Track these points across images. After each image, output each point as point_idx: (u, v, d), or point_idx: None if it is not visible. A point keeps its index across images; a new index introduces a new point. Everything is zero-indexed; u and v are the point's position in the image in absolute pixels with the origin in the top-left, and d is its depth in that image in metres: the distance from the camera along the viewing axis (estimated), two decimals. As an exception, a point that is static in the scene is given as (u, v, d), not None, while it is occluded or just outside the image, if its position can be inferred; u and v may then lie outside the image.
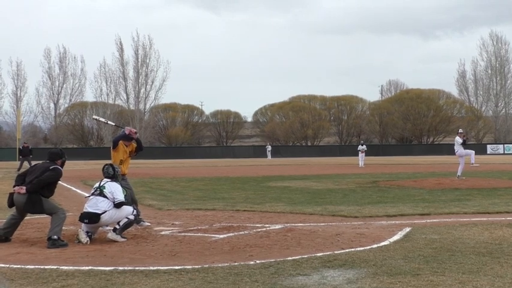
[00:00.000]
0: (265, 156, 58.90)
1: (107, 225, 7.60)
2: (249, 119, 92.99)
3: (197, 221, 9.17)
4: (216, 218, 9.46)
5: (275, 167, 33.06)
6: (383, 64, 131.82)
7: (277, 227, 8.28)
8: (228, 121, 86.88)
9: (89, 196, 7.49)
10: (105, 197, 7.36)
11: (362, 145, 34.05)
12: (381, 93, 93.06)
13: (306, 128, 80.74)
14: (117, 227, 7.33)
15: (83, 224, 7.35)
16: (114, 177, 7.64)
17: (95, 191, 7.48)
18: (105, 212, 7.28)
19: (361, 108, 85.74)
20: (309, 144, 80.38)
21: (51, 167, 7.16)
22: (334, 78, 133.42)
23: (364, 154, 33.02)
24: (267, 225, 8.42)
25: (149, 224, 8.67)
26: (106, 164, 7.79)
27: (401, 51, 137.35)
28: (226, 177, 21.97)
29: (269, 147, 58.91)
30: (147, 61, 74.77)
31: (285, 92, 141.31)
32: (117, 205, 7.36)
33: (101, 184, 7.50)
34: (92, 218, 7.22)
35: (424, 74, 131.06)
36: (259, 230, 8.01)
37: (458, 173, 17.49)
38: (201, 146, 78.24)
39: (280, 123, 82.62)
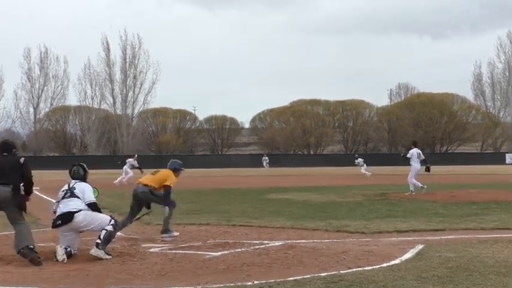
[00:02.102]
0: (263, 167, 58.88)
1: (82, 231, 7.44)
2: (246, 126, 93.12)
3: (189, 236, 9.13)
4: (210, 234, 9.42)
5: (274, 178, 33.00)
6: (392, 66, 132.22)
7: (277, 243, 8.25)
8: (223, 127, 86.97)
9: (58, 201, 7.41)
10: (77, 197, 7.33)
11: (357, 159, 34.35)
12: (390, 98, 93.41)
13: (308, 135, 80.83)
14: (98, 240, 7.27)
15: (60, 237, 7.28)
16: (84, 178, 7.60)
17: (65, 194, 7.41)
18: (80, 210, 7.22)
19: (368, 114, 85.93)
20: (312, 152, 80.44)
21: (22, 160, 7.18)
22: (339, 82, 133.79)
23: (364, 166, 33.28)
24: (266, 242, 8.40)
25: (177, 234, 8.98)
26: (75, 165, 7.72)
27: (411, 52, 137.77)
28: (221, 189, 21.93)
29: (266, 159, 58.85)
30: (136, 62, 74.96)
31: (285, 96, 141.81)
32: (90, 206, 7.33)
33: (71, 186, 7.46)
34: (65, 218, 7.15)
35: (436, 77, 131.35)
36: (258, 247, 7.98)
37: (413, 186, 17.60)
38: (194, 155, 78.23)
39: (280, 129, 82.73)
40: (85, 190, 7.39)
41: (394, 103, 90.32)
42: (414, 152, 17.89)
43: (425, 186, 17.55)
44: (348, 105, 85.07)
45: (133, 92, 74.71)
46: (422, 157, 17.94)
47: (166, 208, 9.28)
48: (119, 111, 75.64)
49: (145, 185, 9.17)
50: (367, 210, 13.02)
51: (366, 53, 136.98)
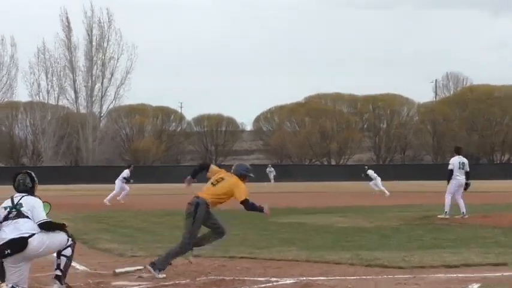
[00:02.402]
0: (268, 180, 58.81)
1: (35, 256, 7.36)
2: (248, 128, 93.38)
3: (174, 272, 9.11)
4: (202, 269, 9.41)
5: (285, 195, 32.91)
6: (438, 51, 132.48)
7: (289, 281, 8.24)
8: (218, 130, 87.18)
9: (0, 223, 7.24)
10: (26, 217, 7.20)
11: (367, 170, 34.77)
12: (435, 92, 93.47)
13: (328, 140, 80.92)
14: (59, 273, 7.25)
15: (7, 272, 7.14)
16: (32, 190, 7.48)
17: (9, 213, 7.25)
18: (33, 235, 7.10)
19: (406, 113, 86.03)
20: (333, 163, 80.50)
21: None
22: (369, 70, 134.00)
23: (377, 180, 33.64)
24: (274, 280, 8.39)
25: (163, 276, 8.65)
26: (20, 173, 7.63)
27: (464, 33, 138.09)
28: (216, 210, 21.89)
29: (272, 170, 58.64)
30: (105, 45, 75.31)
31: (298, 89, 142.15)
32: (44, 226, 7.21)
33: (16, 202, 7.32)
34: (17, 245, 7.01)
35: (496, 65, 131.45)
36: (263, 285, 7.95)
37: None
38: (180, 165, 78.28)
39: (292, 133, 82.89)
40: (35, 206, 7.26)
41: (440, 98, 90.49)
42: (456, 161, 17.64)
43: (464, 213, 17.32)
44: (381, 101, 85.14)
45: (102, 83, 75.06)
46: (467, 168, 17.64)
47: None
48: (82, 109, 75.96)
49: (205, 200, 9.23)
50: (405, 238, 12.99)
51: (407, 33, 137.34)
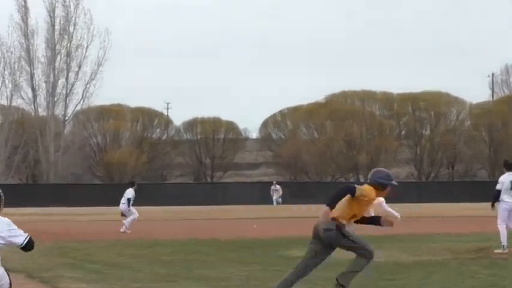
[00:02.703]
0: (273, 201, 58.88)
1: None
2: (254, 135, 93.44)
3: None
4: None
5: (300, 221, 32.85)
6: (495, 38, 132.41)
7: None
8: (215, 138, 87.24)
9: None
10: None
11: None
12: (492, 89, 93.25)
13: (356, 151, 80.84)
14: None
15: None
16: None
17: None
18: None
19: (455, 116, 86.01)
20: (362, 179, 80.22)
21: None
22: (407, 62, 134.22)
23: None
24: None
25: None
26: None
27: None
28: (211, 239, 21.97)
29: (278, 189, 58.33)
30: (71, 29, 75.52)
31: (317, 86, 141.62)
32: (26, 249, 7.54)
33: None
34: None
35: None
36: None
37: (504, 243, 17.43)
38: (165, 183, 78.29)
39: (310, 141, 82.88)
40: (7, 229, 7.46)
41: (498, 98, 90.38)
42: (507, 180, 17.58)
43: (505, 246, 17.24)
44: (423, 101, 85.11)
45: (67, 79, 75.22)
46: None
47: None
48: (42, 111, 76.08)
49: (333, 219, 9.42)
50: (455, 275, 12.96)
51: (455, 15, 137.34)
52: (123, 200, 26.91)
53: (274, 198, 57.87)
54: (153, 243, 20.48)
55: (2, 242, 7.41)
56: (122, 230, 26.12)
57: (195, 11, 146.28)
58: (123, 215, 26.92)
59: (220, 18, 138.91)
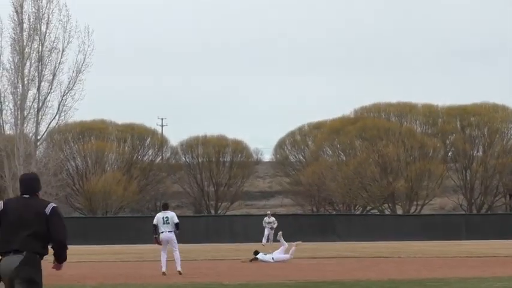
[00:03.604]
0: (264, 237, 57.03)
1: None
2: (267, 157, 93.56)
3: None
4: None
5: (324, 262, 32.87)
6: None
7: None
8: (220, 161, 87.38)
9: None
10: None
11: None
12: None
13: (392, 176, 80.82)
14: None
15: None
16: None
17: None
18: None
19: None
20: (400, 212, 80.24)
21: (50, 208, 10.01)
22: (454, 69, 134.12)
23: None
24: None
25: None
26: None
27: None
28: (216, 284, 22.21)
29: (272, 222, 56.54)
30: (43, 29, 75.50)
31: (343, 97, 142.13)
32: None
33: None
34: None
35: None
36: None
37: None
38: (159, 216, 78.23)
39: (336, 165, 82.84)
40: None
41: None
42: None
43: None
44: (474, 116, 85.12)
45: (38, 89, 75.02)
46: None
47: None
48: (8, 129, 75.89)
49: None
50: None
51: (503, 10, 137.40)
52: (170, 228, 26.79)
53: (266, 233, 55.46)
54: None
55: None
56: (179, 268, 26.17)
57: (194, 12, 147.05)
58: (159, 243, 26.75)
59: (227, 20, 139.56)
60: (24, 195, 10.03)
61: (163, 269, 25.82)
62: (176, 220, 26.86)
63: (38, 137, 76.91)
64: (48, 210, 9.88)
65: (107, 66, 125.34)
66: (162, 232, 26.45)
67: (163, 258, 26.29)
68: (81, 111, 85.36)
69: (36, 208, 9.83)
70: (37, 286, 9.62)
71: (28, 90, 75.19)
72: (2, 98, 74.84)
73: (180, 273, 25.61)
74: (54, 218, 9.91)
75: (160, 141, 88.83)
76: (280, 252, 34.38)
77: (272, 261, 33.32)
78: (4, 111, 75.04)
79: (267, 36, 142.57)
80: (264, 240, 53.02)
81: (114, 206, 77.26)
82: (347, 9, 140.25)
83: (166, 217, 26.70)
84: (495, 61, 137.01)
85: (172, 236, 26.76)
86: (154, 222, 26.78)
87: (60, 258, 10.00)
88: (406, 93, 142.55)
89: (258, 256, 33.99)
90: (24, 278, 9.47)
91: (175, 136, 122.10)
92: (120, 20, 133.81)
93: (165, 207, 27.86)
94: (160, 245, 26.42)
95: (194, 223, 70.44)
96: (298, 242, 35.54)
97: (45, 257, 9.79)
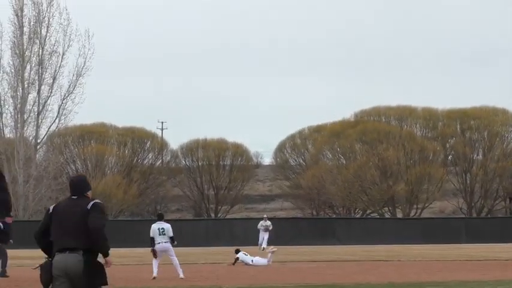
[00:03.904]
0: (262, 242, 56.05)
1: None
2: (267, 160, 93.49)
3: None
4: None
5: (323, 265, 32.85)
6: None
7: None
8: (221, 165, 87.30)
9: None
10: None
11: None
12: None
13: (391, 180, 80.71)
14: None
15: None
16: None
17: None
18: None
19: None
20: (400, 215, 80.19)
21: (92, 203, 10.60)
22: (454, 72, 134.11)
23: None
24: None
25: None
26: None
27: None
28: (215, 289, 21.82)
29: (268, 225, 55.42)
30: (43, 33, 75.64)
31: (344, 100, 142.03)
32: None
33: None
34: None
35: None
36: None
37: None
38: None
39: (336, 168, 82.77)
40: None
41: None
42: None
43: None
44: (474, 119, 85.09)
45: (39, 93, 75.29)
46: None
47: None
48: (8, 132, 76.10)
49: None
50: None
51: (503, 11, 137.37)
52: (165, 239, 26.78)
53: (262, 236, 54.43)
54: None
55: None
56: (182, 275, 26.13)
57: (194, 13, 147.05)
58: (155, 256, 26.77)
59: (226, 21, 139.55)
60: (73, 197, 10.76)
61: (155, 274, 25.88)
62: (171, 234, 26.83)
63: (38, 141, 76.95)
64: (89, 205, 10.57)
65: (106, 70, 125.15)
66: (159, 243, 26.55)
67: (155, 263, 26.36)
68: (81, 115, 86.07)
69: (81, 207, 10.51)
70: (94, 282, 10.33)
71: (28, 93, 75.22)
72: (2, 102, 74.84)
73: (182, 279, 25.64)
74: (93, 211, 10.48)
75: (161, 145, 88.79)
76: (261, 258, 34.48)
77: (251, 263, 33.43)
78: (4, 115, 75.03)
79: (267, 37, 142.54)
80: (264, 244, 52.62)
81: (114, 210, 77.13)
82: (347, 10, 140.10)
83: (162, 228, 26.72)
84: (495, 63, 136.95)
85: (169, 246, 26.77)
86: (151, 235, 26.84)
87: (103, 250, 10.48)
88: (407, 97, 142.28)
89: (238, 255, 34.16)
90: (79, 273, 10.18)
91: (175, 139, 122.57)
92: (119, 21, 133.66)
93: (160, 218, 27.73)
94: (156, 257, 26.44)
95: (194, 226, 70.42)
96: (273, 248, 35.49)
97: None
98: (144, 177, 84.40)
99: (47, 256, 10.55)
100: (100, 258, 10.49)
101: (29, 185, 73.62)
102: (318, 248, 53.51)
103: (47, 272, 10.29)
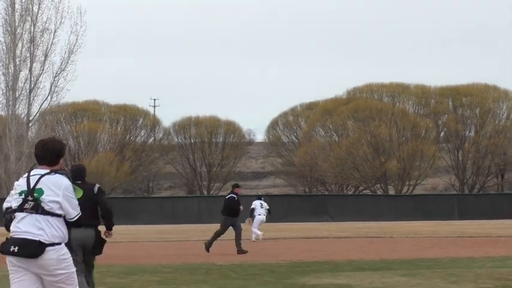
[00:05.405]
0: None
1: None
2: (259, 138, 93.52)
3: None
4: None
5: (316, 242, 33.00)
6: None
7: None
8: (212, 142, 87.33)
9: (14, 211, 7.73)
10: (48, 213, 7.71)
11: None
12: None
13: (384, 157, 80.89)
14: None
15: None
16: (56, 162, 7.96)
17: (25, 201, 7.74)
18: (54, 245, 7.71)
19: (505, 114, 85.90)
20: (392, 192, 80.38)
21: (97, 188, 13.27)
22: (447, 49, 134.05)
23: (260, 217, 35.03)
24: None
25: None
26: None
27: None
28: (208, 265, 22.22)
29: (261, 204, 53.56)
30: (35, 10, 75.38)
31: (336, 77, 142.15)
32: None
33: (34, 185, 7.79)
34: (29, 247, 7.61)
35: None
36: None
37: None
38: (152, 197, 78.44)
39: (328, 145, 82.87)
40: (65, 198, 7.88)
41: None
42: None
43: None
44: (466, 96, 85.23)
45: (30, 70, 75.11)
46: None
47: None
48: (-1, 110, 75.94)
49: None
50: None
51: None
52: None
53: (260, 219, 52.66)
54: (137, 270, 20.61)
55: (57, 211, 7.85)
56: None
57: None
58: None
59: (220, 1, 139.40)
60: (77, 181, 12.22)
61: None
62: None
63: (30, 118, 76.88)
64: (95, 189, 13.26)
65: (99, 48, 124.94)
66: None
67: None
68: (74, 92, 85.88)
69: (88, 190, 12.70)
70: (97, 251, 13.26)
71: (20, 71, 75.02)
72: (-8, 79, 74.89)
73: None
74: (100, 195, 13.29)
75: (153, 122, 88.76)
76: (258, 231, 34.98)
77: (257, 216, 34.62)
78: (-5, 93, 75.11)
79: (260, 18, 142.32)
80: (250, 224, 51.74)
81: (107, 187, 77.14)
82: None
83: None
84: (488, 42, 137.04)
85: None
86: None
87: (109, 225, 13.64)
88: (399, 74, 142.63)
89: (254, 203, 35.66)
90: (92, 244, 12.94)
91: (167, 117, 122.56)
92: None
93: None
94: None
95: (187, 204, 70.62)
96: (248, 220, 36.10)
97: None
98: (137, 155, 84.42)
99: None
100: None
101: (21, 162, 73.59)
102: (311, 225, 53.68)
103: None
